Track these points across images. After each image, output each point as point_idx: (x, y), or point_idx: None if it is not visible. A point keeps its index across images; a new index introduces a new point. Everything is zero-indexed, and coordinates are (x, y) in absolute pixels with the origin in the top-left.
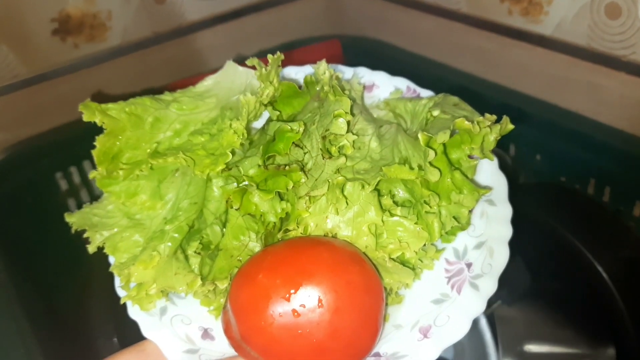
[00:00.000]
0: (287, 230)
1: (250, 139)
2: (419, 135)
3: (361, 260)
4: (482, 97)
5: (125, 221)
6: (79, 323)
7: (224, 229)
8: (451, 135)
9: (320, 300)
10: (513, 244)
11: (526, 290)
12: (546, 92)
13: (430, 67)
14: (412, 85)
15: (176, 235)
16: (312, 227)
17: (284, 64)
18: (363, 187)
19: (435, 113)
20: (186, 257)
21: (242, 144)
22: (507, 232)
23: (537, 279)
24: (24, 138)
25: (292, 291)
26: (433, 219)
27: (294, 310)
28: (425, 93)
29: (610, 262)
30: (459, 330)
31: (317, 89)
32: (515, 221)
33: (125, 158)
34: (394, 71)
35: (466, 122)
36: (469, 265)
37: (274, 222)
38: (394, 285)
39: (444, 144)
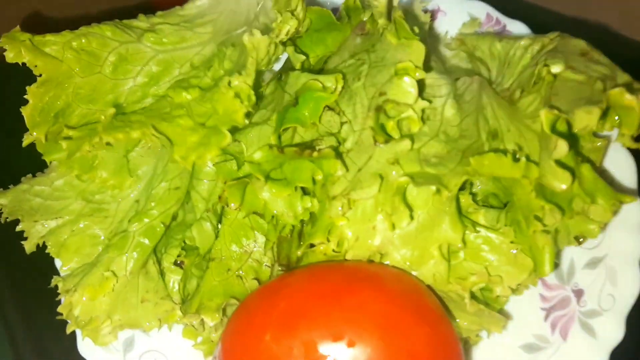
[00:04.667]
0: (311, 245)
1: (260, 94)
2: (542, 115)
3: (432, 314)
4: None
5: (79, 205)
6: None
7: (219, 227)
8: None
9: None
10: None
11: None
12: None
13: None
14: (495, 13)
15: (145, 240)
16: (350, 241)
17: None
18: (438, 191)
19: (557, 69)
20: (161, 272)
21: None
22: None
23: None
24: None
25: None
26: (544, 242)
27: None
28: (516, 26)
29: None
30: None
31: (364, 18)
32: None
33: (76, 116)
34: None
35: (627, 96)
36: (578, 293)
37: (293, 226)
38: (471, 332)
39: (567, 121)
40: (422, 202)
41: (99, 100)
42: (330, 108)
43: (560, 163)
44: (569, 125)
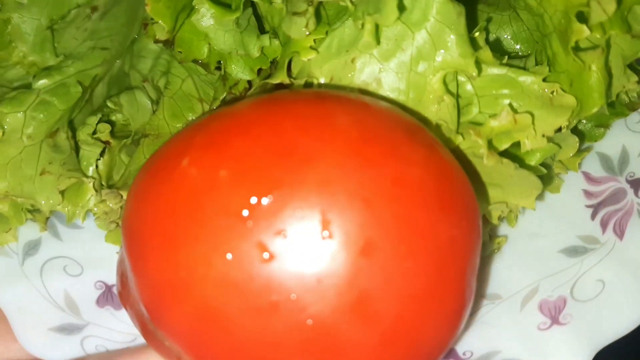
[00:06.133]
0: (270, 87)
1: None
2: None
3: (427, 138)
4: None
5: None
6: None
7: (160, 102)
8: None
9: (325, 223)
10: None
11: None
12: None
13: None
14: None
15: (54, 100)
16: (322, 83)
17: None
18: None
19: None
20: (75, 145)
21: None
22: None
23: None
24: None
25: (256, 199)
26: (592, 59)
27: (260, 245)
28: None
29: None
30: (627, 312)
31: None
32: None
33: None
34: None
35: None
36: (635, 183)
37: (248, 82)
38: (493, 210)
39: None
40: (418, 10)
41: None
42: None
43: None
44: None
